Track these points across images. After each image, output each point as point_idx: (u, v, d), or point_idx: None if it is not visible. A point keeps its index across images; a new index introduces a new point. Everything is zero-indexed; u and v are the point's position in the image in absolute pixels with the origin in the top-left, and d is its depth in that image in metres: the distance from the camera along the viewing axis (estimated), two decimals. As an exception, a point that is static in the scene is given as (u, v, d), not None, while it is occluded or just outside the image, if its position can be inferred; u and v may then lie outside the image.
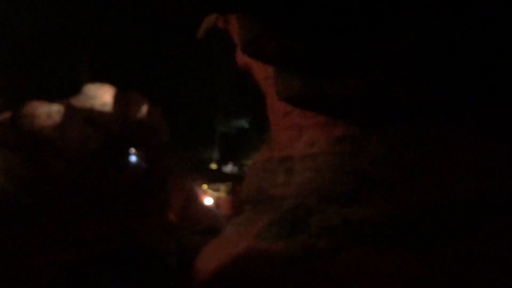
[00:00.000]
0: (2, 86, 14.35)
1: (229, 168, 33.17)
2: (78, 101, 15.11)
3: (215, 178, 28.95)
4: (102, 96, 15.33)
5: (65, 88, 15.85)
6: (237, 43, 9.00)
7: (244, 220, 9.33)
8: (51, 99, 14.22)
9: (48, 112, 13.64)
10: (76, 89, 15.68)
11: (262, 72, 8.92)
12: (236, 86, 31.60)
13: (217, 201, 27.72)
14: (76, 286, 11.60)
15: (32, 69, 19.06)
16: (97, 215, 15.36)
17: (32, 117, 13.62)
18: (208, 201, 27.36)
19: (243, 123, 33.78)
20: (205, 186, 27.96)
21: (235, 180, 28.95)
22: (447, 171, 6.94)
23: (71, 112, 13.92)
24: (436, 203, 6.51)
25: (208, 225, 24.05)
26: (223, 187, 28.28)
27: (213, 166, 32.27)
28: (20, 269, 10.37)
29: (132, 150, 16.66)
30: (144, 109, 16.38)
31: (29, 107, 13.89)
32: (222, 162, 32.94)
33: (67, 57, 20.22)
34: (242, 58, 9.54)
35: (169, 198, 23.12)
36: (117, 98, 15.41)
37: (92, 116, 14.56)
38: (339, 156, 7.63)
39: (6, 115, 12.96)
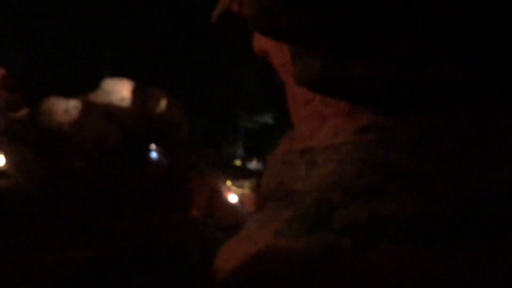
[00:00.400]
0: (21, 82, 14.14)
1: (253, 164, 32.64)
2: (96, 97, 14.86)
3: (239, 175, 28.49)
4: (120, 91, 15.04)
5: (85, 84, 15.64)
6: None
7: (264, 217, 8.82)
8: (69, 95, 14.00)
9: (66, 108, 13.40)
10: (96, 85, 15.46)
11: (280, 58, 8.38)
12: (260, 81, 31.09)
13: (241, 198, 27.27)
14: (96, 283, 11.31)
15: (51, 65, 18.94)
16: (119, 212, 15.08)
17: (50, 114, 13.40)
18: (232, 198, 26.93)
19: (268, 118, 33.21)
20: (229, 183, 27.53)
21: (259, 177, 28.47)
22: (484, 161, 6.30)
23: (89, 108, 13.65)
24: (473, 197, 5.88)
25: (232, 222, 23.66)
26: (247, 183, 27.82)
27: (237, 162, 31.83)
28: (37, 266, 10.12)
29: (153, 146, 16.33)
30: (163, 103, 16.01)
31: (47, 103, 13.69)
32: (246, 158, 32.47)
33: (88, 53, 20.04)
34: (259, 43, 9.00)
35: (193, 195, 22.77)
36: (135, 93, 15.09)
37: (110, 111, 14.27)
38: (365, 146, 7.03)
39: (24, 111, 12.76)
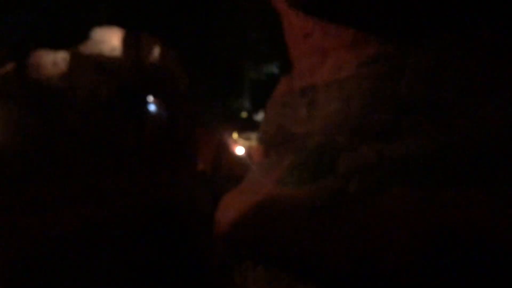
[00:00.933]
0: (5, 36, 13.32)
1: (260, 116, 31.83)
2: (85, 47, 14.03)
3: (246, 127, 27.80)
4: (111, 40, 14.16)
5: (75, 36, 14.76)
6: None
7: (266, 165, 8.17)
8: (59, 47, 13.19)
9: (54, 60, 12.64)
10: (86, 35, 14.59)
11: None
12: (265, 29, 29.82)
13: (248, 150, 26.72)
14: (96, 245, 10.88)
15: (38, 17, 17.97)
16: (119, 169, 14.55)
17: (38, 67, 12.66)
18: (239, 150, 26.40)
19: (274, 68, 32.09)
20: (235, 136, 26.92)
21: (267, 128, 27.84)
22: (509, 92, 5.49)
23: (78, 59, 12.87)
24: (497, 129, 5.12)
25: (240, 174, 23.23)
26: (254, 135, 27.18)
27: (244, 114, 31.06)
28: (29, 227, 9.67)
29: (151, 98, 15.60)
30: (156, 51, 15.12)
31: (34, 56, 12.93)
32: (253, 110, 31.65)
33: (78, 2, 18.92)
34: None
35: (199, 149, 22.21)
36: (126, 41, 14.21)
37: (100, 62, 13.46)
38: (372, 80, 6.25)
39: (10, 66, 12.04)
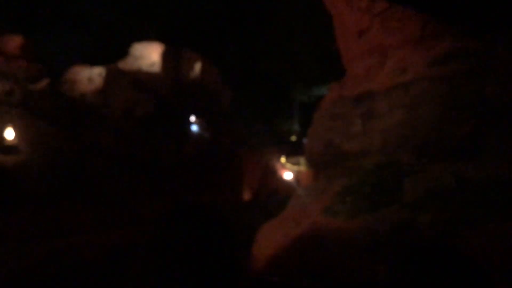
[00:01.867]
0: (42, 51, 12.84)
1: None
2: (124, 63, 13.32)
3: (295, 151, 26.45)
4: (150, 55, 13.39)
5: (114, 52, 14.13)
6: None
7: (313, 190, 6.90)
8: (96, 64, 12.55)
9: (89, 76, 11.97)
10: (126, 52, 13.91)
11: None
12: (316, 50, 28.69)
13: (297, 175, 25.34)
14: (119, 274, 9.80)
15: (78, 32, 17.55)
16: (154, 193, 13.60)
17: (73, 83, 12.03)
18: (287, 175, 25.05)
19: (324, 90, 30.79)
20: (283, 160, 25.65)
21: (317, 152, 26.42)
22: None
23: (115, 75, 12.13)
24: None
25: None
26: (303, 160, 25.77)
27: (293, 138, 29.79)
28: (49, 252, 8.76)
29: (193, 118, 14.70)
30: (197, 67, 14.20)
31: (70, 72, 12.32)
32: (302, 133, 30.31)
33: (118, 19, 18.30)
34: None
35: (244, 172, 21.10)
36: (166, 57, 13.37)
37: (139, 78, 12.68)
38: (446, 82, 4.92)
39: (45, 82, 11.45)
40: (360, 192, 5.20)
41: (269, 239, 6.55)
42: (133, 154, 12.54)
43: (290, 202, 7.67)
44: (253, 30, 25.87)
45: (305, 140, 27.04)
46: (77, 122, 11.45)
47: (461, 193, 4.36)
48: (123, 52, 14.10)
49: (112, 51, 15.11)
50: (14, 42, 11.52)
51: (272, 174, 24.78)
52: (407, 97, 5.13)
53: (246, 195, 22.05)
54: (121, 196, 12.20)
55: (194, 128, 14.98)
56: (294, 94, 30.30)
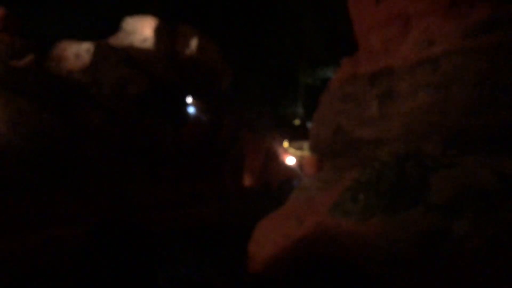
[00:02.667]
0: (27, 24, 11.87)
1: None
2: (115, 39, 12.37)
3: (298, 135, 25.55)
4: (143, 30, 12.42)
5: (106, 27, 13.11)
6: None
7: (318, 182, 6.05)
8: (85, 40, 11.61)
9: (77, 52, 11.06)
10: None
11: None
12: (321, 31, 27.54)
13: (300, 160, 24.50)
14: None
15: (66, 6, 16.32)
16: (149, 180, 12.80)
17: (59, 60, 11.12)
18: (290, 160, 24.21)
19: (330, 73, 29.67)
20: (286, 144, 24.77)
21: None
22: None
23: (104, 51, 11.19)
24: None
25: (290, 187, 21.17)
26: (307, 145, 24.86)
27: (297, 122, 28.82)
28: (35, 243, 7.97)
29: (190, 99, 13.78)
30: (194, 43, 13.19)
31: (57, 48, 11.40)
32: (306, 117, 29.34)
33: None
34: None
35: (246, 158, 20.29)
36: (159, 32, 12.38)
37: (130, 55, 11.74)
38: (484, 57, 4.00)
39: (29, 58, 10.57)
40: (376, 189, 4.35)
41: (268, 238, 5.71)
42: (126, 136, 11.68)
43: (292, 194, 6.81)
44: (258, 7, 24.70)
45: (309, 124, 26.16)
46: (64, 101, 10.56)
47: (505, 194, 3.50)
48: (115, 27, 13.12)
49: (103, 25, 14.13)
50: (-5, 14, 10.61)
51: (275, 159, 23.91)
52: (435, 75, 4.24)
53: (247, 181, 21.22)
54: (115, 183, 11.37)
55: (192, 110, 14.08)
56: (299, 76, 29.27)
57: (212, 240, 9.81)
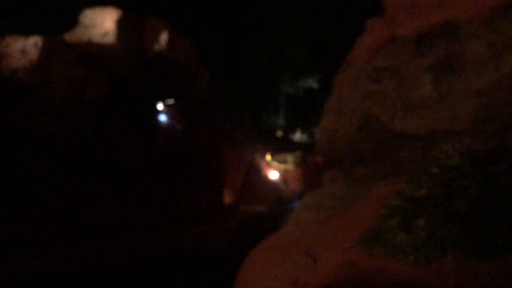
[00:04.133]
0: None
1: (297, 136, 27.85)
2: (71, 35, 10.55)
3: (281, 148, 23.88)
4: (103, 23, 10.55)
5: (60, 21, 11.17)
6: None
7: (329, 201, 4.37)
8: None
9: (23, 48, 9.23)
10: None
11: None
12: (304, 38, 26.01)
13: (284, 174, 22.85)
14: None
15: None
16: (114, 198, 10.95)
17: (2, 57, 9.29)
18: (273, 175, 22.50)
19: (312, 82, 28.21)
20: (269, 157, 23.09)
21: (305, 150, 23.87)
22: None
23: (55, 47, 9.34)
24: None
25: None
26: (290, 157, 23.23)
27: (279, 134, 27.19)
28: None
29: (161, 105, 11.96)
30: (164, 38, 11.34)
31: (0, 44, 9.56)
32: (288, 129, 27.75)
33: None
34: None
35: (226, 174, 18.52)
36: (123, 25, 10.51)
37: (88, 51, 9.88)
38: None
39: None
40: (445, 211, 2.70)
41: (263, 280, 4.00)
42: (83, 148, 9.84)
43: (292, 216, 5.12)
44: (236, 12, 23.04)
45: (294, 135, 24.47)
46: (6, 105, 8.72)
47: None
48: (73, 21, 11.24)
49: (58, 20, 12.23)
50: None
51: (257, 174, 22.15)
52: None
53: (228, 199, 19.38)
54: (68, 204, 9.49)
55: (163, 117, 12.31)
56: (280, 86, 27.75)
57: (187, 274, 8.02)
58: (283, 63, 26.56)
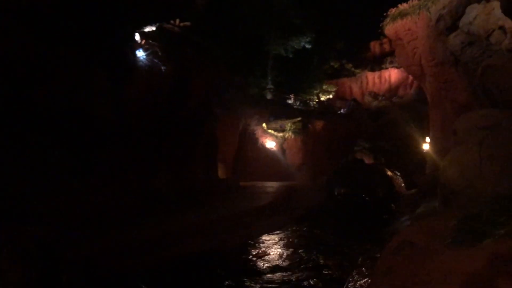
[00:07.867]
0: None
1: (292, 100, 23.94)
2: None
3: (276, 114, 19.95)
4: None
5: None
6: None
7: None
8: None
9: None
10: None
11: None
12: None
13: (281, 144, 19.06)
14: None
15: None
16: (74, 173, 7.23)
17: None
18: (270, 144, 18.67)
19: (305, 42, 24.18)
20: (264, 125, 19.22)
21: (304, 116, 20.22)
22: None
23: None
24: None
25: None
26: (290, 125, 19.37)
27: (269, 96, 23.18)
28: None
29: (138, 36, 7.93)
30: None
31: None
32: (279, 94, 23.73)
33: None
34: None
35: (217, 140, 14.51)
36: None
37: None
38: None
39: None
40: None
41: None
42: (22, 99, 5.93)
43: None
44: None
45: (290, 101, 20.68)
46: None
47: None
48: None
49: None
50: None
51: (252, 144, 18.05)
52: None
53: (220, 174, 15.28)
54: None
55: (142, 54, 8.36)
56: (269, 45, 23.68)
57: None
58: (272, 20, 22.63)
